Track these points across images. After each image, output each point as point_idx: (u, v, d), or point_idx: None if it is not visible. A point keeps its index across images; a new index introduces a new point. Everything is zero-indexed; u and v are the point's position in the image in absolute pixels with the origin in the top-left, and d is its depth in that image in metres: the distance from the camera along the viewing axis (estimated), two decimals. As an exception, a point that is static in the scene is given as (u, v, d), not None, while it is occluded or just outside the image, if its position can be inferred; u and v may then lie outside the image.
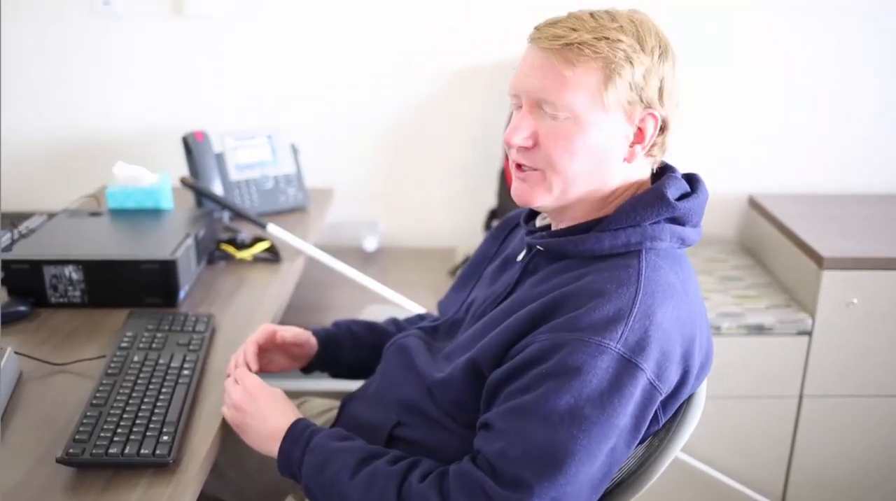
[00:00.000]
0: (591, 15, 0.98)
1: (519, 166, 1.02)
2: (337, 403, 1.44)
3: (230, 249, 1.71)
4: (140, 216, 1.70)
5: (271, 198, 2.02)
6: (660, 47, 0.98)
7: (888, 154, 2.30)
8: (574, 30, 0.96)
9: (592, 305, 0.93)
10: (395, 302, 1.80)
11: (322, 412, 1.42)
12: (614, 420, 0.91)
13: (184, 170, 2.00)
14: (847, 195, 2.30)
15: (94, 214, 1.70)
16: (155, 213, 1.72)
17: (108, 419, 1.08)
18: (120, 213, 1.71)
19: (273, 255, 1.72)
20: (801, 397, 1.96)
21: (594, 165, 0.99)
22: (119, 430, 1.06)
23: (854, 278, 1.86)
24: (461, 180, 2.34)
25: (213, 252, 1.70)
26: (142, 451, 1.02)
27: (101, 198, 1.92)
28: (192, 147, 1.92)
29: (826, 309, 1.88)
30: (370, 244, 2.28)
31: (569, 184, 0.99)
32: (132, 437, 1.05)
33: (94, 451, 1.01)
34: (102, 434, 1.04)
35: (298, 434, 1.08)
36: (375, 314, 1.64)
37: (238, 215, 1.82)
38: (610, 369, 0.90)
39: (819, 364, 1.93)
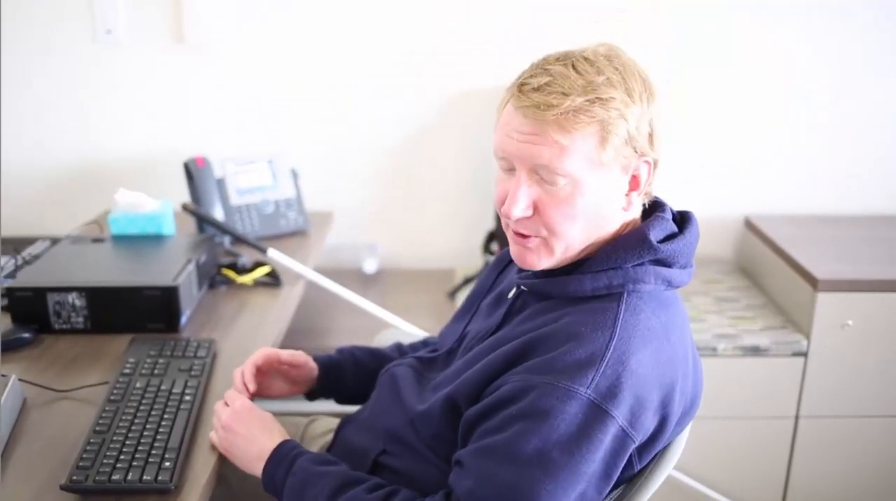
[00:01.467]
0: (574, 68, 0.95)
1: (518, 233, 1.01)
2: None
3: (231, 274, 1.73)
4: (142, 242, 1.72)
5: (272, 222, 2.04)
6: (646, 90, 0.98)
7: (884, 176, 2.32)
8: (565, 94, 0.93)
9: (566, 348, 0.93)
10: (395, 325, 1.82)
11: (327, 431, 1.42)
12: (583, 466, 0.90)
13: (185, 196, 2.03)
14: (843, 217, 2.32)
15: (97, 240, 1.72)
16: (157, 239, 1.74)
17: (111, 445, 1.10)
18: (122, 239, 1.74)
19: (273, 280, 1.74)
20: (797, 417, 1.97)
21: (597, 222, 0.99)
22: (122, 457, 1.07)
23: (849, 300, 1.88)
24: (460, 202, 2.36)
25: (214, 277, 1.72)
26: (144, 478, 1.04)
27: (103, 224, 1.94)
28: (193, 172, 1.95)
29: (821, 331, 1.90)
30: (370, 266, 2.30)
31: (570, 245, 0.99)
32: (135, 464, 1.06)
33: (97, 478, 1.03)
34: (105, 461, 1.06)
35: (283, 455, 1.10)
36: (388, 338, 1.66)
37: (239, 240, 1.84)
38: (579, 414, 0.90)
39: (815, 384, 1.94)
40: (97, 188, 2.25)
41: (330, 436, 1.40)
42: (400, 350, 1.41)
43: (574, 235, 0.98)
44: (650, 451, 0.99)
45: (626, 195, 1.00)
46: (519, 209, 0.97)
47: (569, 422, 0.90)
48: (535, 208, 0.98)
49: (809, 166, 2.31)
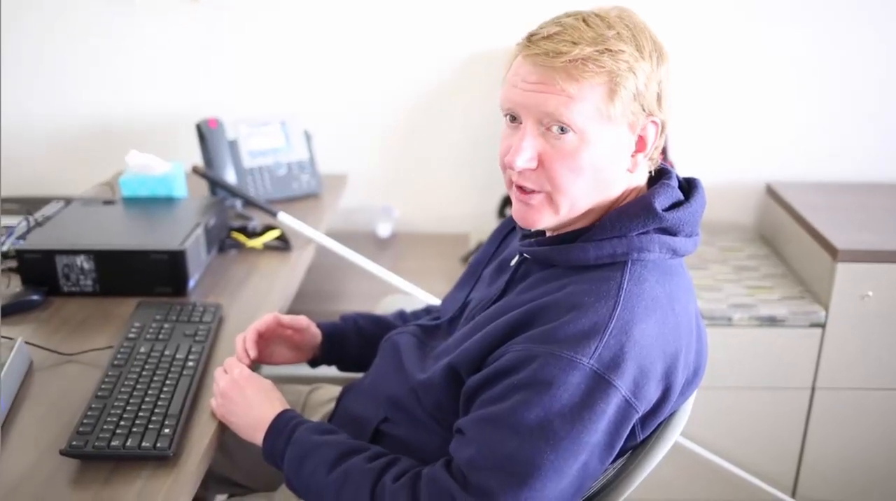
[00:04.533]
0: (585, 22, 0.94)
1: (521, 188, 0.99)
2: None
3: (241, 237, 1.72)
4: (153, 204, 1.72)
5: (284, 185, 2.03)
6: (656, 50, 0.96)
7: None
8: (575, 43, 0.91)
9: (569, 318, 0.91)
10: (406, 290, 1.81)
11: (330, 399, 1.42)
12: (585, 436, 0.89)
13: (197, 157, 2.02)
14: (866, 184, 2.26)
15: (108, 202, 1.72)
16: (168, 202, 1.74)
17: (112, 411, 1.10)
18: (133, 202, 1.73)
19: (283, 243, 1.73)
20: (813, 389, 1.95)
21: (599, 180, 0.96)
22: (122, 422, 1.08)
23: (869, 271, 1.83)
24: (475, 166, 2.33)
25: (224, 240, 1.71)
26: (143, 444, 1.04)
27: (114, 186, 1.94)
28: (205, 134, 1.93)
29: (840, 302, 1.86)
30: (384, 230, 2.28)
31: (575, 202, 0.96)
32: (134, 430, 1.06)
33: (96, 444, 1.03)
34: (105, 427, 1.06)
35: (283, 425, 1.10)
36: (393, 304, 1.65)
37: (249, 203, 1.83)
38: (581, 385, 0.89)
39: (832, 356, 1.91)
40: (111, 148, 2.25)
41: (330, 405, 1.40)
42: (403, 317, 1.40)
43: (578, 192, 0.96)
44: (653, 421, 0.98)
45: (633, 156, 0.97)
46: (522, 159, 0.95)
47: (571, 392, 0.89)
48: (540, 161, 0.95)
49: (832, 132, 2.25)
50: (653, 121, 0.96)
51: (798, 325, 1.88)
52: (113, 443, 1.04)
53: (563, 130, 0.93)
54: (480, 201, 2.35)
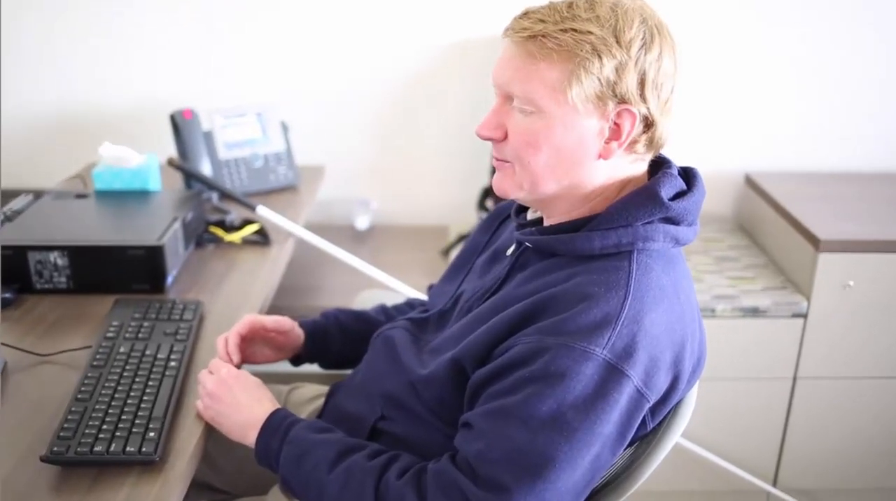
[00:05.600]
0: (569, 5, 0.93)
1: (496, 158, 1.01)
2: (327, 389, 1.43)
3: (219, 232, 1.68)
4: (127, 198, 1.67)
5: (261, 177, 1.99)
6: (642, 38, 0.92)
7: (888, 131, 2.27)
8: (542, 21, 0.92)
9: (580, 309, 0.90)
10: (388, 285, 1.78)
11: (313, 397, 1.40)
12: (598, 427, 0.89)
13: (171, 149, 1.97)
14: (845, 174, 2.27)
15: (81, 196, 1.66)
16: (142, 195, 1.69)
17: (94, 414, 1.06)
18: (106, 195, 1.68)
19: (262, 238, 1.69)
20: (794, 379, 1.95)
21: (562, 161, 0.95)
22: (104, 426, 1.04)
23: (850, 261, 1.84)
24: (454, 157, 2.30)
25: (202, 234, 1.67)
26: (128, 449, 1.00)
27: (86, 179, 1.88)
28: (180, 125, 1.88)
29: (822, 292, 1.86)
30: (362, 223, 2.25)
31: (537, 180, 0.97)
32: (118, 434, 1.03)
33: (78, 449, 0.99)
34: (87, 431, 1.02)
35: (277, 424, 1.06)
36: (370, 299, 1.62)
37: (227, 196, 1.79)
38: (595, 376, 0.88)
39: (814, 346, 1.92)
40: (80, 140, 2.19)
41: (316, 403, 1.37)
42: (385, 312, 1.37)
43: (538, 170, 0.96)
44: (662, 410, 0.98)
45: (606, 143, 0.95)
46: (485, 129, 0.99)
47: (585, 383, 0.88)
48: (505, 134, 0.98)
49: (811, 122, 2.26)
50: (628, 111, 0.93)
51: (780, 316, 1.88)
52: (96, 448, 1.00)
53: (523, 106, 0.94)
54: (460, 193, 2.33)
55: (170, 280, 1.47)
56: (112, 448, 1.00)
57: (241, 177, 1.96)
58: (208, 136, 1.94)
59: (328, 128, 2.26)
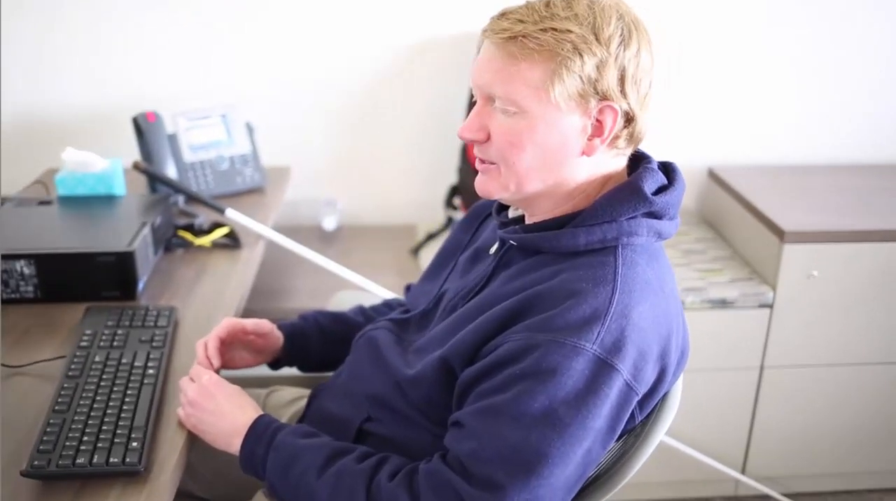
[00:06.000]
0: (547, 4, 0.94)
1: (479, 160, 1.01)
2: (307, 392, 1.41)
3: (188, 236, 1.65)
4: (92, 203, 1.63)
5: (228, 180, 1.96)
6: (620, 34, 0.93)
7: (848, 124, 2.32)
8: (521, 21, 0.92)
9: (568, 305, 0.91)
10: (361, 286, 1.77)
11: (291, 401, 1.38)
12: (589, 421, 0.89)
13: (132, 153, 1.93)
14: (807, 166, 2.32)
15: (44, 202, 1.63)
16: (107, 200, 1.65)
17: (73, 426, 1.03)
18: (70, 201, 1.64)
19: (233, 241, 1.67)
20: (762, 368, 1.99)
21: (547, 160, 0.96)
22: (85, 438, 1.01)
23: (814, 251, 1.88)
24: (420, 156, 2.30)
25: (170, 239, 1.64)
26: (111, 460, 0.98)
27: (49, 185, 1.84)
28: (143, 128, 1.84)
29: (787, 282, 1.90)
30: (329, 223, 2.23)
31: (522, 179, 0.97)
32: (99, 445, 1.00)
33: (60, 462, 0.97)
34: (68, 444, 1.00)
35: (261, 431, 1.05)
36: (346, 300, 1.61)
37: (195, 200, 1.76)
38: (586, 371, 0.89)
39: (779, 335, 1.95)
40: (38, 145, 2.13)
41: (295, 406, 1.36)
42: (364, 313, 1.36)
43: (523, 169, 0.96)
44: (650, 403, 0.99)
45: (589, 140, 0.96)
46: (468, 131, 0.98)
47: (576, 379, 0.88)
48: (488, 135, 0.97)
49: (772, 116, 2.30)
50: (609, 107, 0.94)
51: (747, 306, 1.92)
52: (78, 461, 0.98)
53: (506, 107, 0.94)
54: (426, 192, 2.32)
55: (140, 286, 1.44)
56: (95, 460, 0.98)
57: (206, 180, 1.93)
58: (172, 139, 1.91)
59: (292, 128, 2.24)
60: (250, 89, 2.19)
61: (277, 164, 2.18)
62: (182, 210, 1.77)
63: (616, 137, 0.96)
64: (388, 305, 1.37)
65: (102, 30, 2.11)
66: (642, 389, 0.93)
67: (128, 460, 0.98)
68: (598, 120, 0.95)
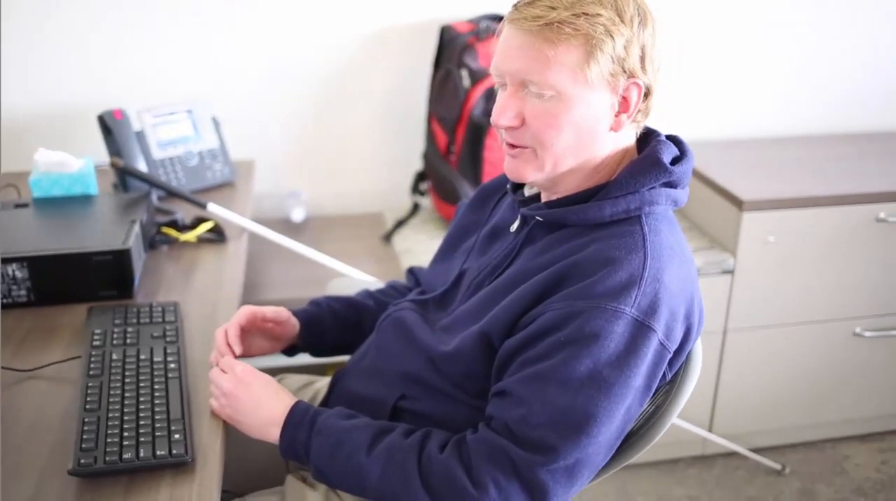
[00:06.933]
0: None
1: (510, 145, 1.04)
2: (315, 378, 1.43)
3: (172, 232, 1.64)
4: (70, 204, 1.61)
5: (198, 175, 1.94)
6: (639, 15, 1.00)
7: (795, 98, 2.45)
8: (552, 8, 0.96)
9: (605, 272, 0.96)
10: (348, 274, 1.79)
11: (300, 387, 1.40)
12: (631, 380, 0.95)
13: (95, 151, 1.90)
14: (755, 139, 2.44)
15: (20, 205, 1.59)
16: (84, 200, 1.63)
17: (110, 423, 1.04)
18: (48, 203, 1.61)
19: (218, 235, 1.67)
20: (724, 331, 2.09)
21: (581, 138, 1.01)
22: (125, 434, 1.02)
23: (770, 218, 1.99)
24: (382, 145, 2.32)
25: (154, 236, 1.63)
26: (157, 452, 0.99)
27: (20, 187, 1.79)
28: (111, 126, 1.81)
29: (746, 249, 2.01)
30: (298, 215, 2.23)
31: (559, 159, 1.01)
32: (142, 439, 1.01)
33: (107, 459, 0.97)
34: (110, 440, 1.00)
35: (300, 417, 1.07)
36: (340, 287, 1.63)
37: (177, 196, 1.74)
38: (626, 333, 0.94)
39: (741, 299, 2.06)
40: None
41: (307, 392, 1.38)
42: (373, 297, 1.39)
43: (560, 149, 1.01)
44: (677, 361, 1.05)
45: (616, 116, 1.02)
46: (505, 118, 1.01)
47: (617, 341, 0.94)
48: (523, 120, 1.01)
49: (722, 92, 2.40)
50: (635, 83, 1.00)
51: (710, 273, 2.01)
52: (125, 456, 0.98)
53: (542, 91, 0.98)
54: (389, 180, 2.34)
55: (135, 284, 1.43)
56: (142, 454, 0.99)
57: (177, 176, 1.91)
58: (140, 136, 1.89)
59: (255, 121, 2.22)
60: (209, 83, 2.16)
61: (241, 158, 2.17)
62: (158, 207, 1.75)
63: (638, 112, 1.02)
64: (394, 288, 1.40)
65: (57, 25, 2.04)
66: (673, 347, 1.00)
67: (174, 452, 1.00)
68: (623, 97, 1.00)
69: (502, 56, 1.01)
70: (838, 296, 2.11)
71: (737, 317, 2.08)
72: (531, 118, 1.00)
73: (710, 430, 2.20)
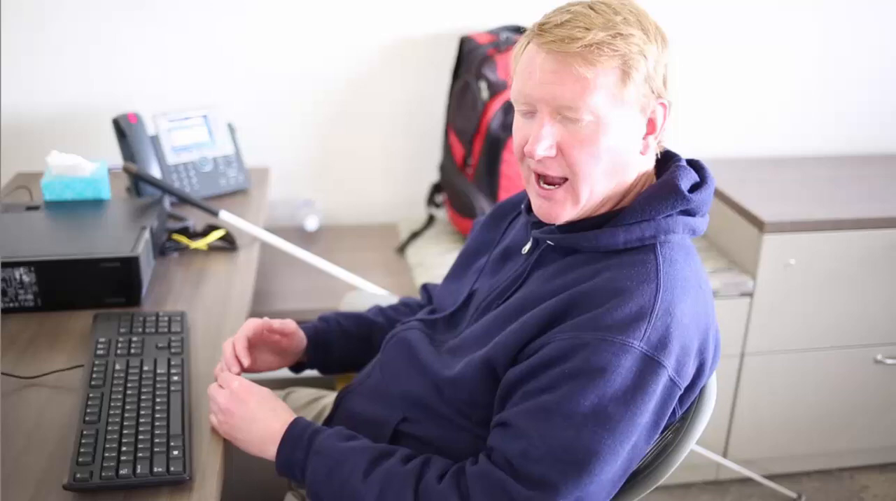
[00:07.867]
0: (593, 9, 0.96)
1: (540, 180, 1.00)
2: (324, 392, 1.41)
3: (183, 239, 1.62)
4: (82, 208, 1.59)
5: (212, 181, 1.93)
6: (659, 34, 0.98)
7: (820, 117, 2.41)
8: (588, 29, 0.93)
9: (614, 303, 0.92)
10: (362, 287, 1.76)
11: (308, 402, 1.38)
12: (637, 418, 0.91)
13: (109, 154, 1.89)
14: (776, 159, 2.39)
15: (31, 208, 1.58)
16: (97, 205, 1.61)
17: (109, 437, 1.02)
18: (59, 206, 1.60)
19: (229, 244, 1.65)
20: (742, 355, 2.05)
21: (616, 165, 0.98)
22: (123, 448, 1.00)
23: (791, 240, 1.94)
24: (398, 155, 2.29)
25: (164, 243, 1.61)
26: (155, 469, 0.97)
27: (32, 189, 1.78)
28: (125, 130, 1.80)
29: (766, 271, 1.96)
30: (311, 223, 2.21)
31: (594, 188, 0.98)
32: (140, 455, 0.99)
33: (103, 474, 0.95)
34: (107, 455, 0.98)
35: (298, 435, 1.05)
36: (354, 301, 1.60)
37: (188, 202, 1.72)
38: (633, 368, 0.91)
39: (759, 322, 2.01)
40: (11, 148, 2.06)
41: (314, 408, 1.35)
42: (384, 314, 1.36)
43: (597, 178, 0.97)
44: (689, 398, 1.01)
45: (644, 138, 0.99)
46: (542, 147, 0.96)
47: (624, 376, 0.90)
48: (559, 149, 0.97)
49: (742, 111, 2.36)
50: (661, 103, 0.99)
51: (729, 296, 1.97)
52: (122, 472, 0.96)
53: (580, 116, 0.94)
54: (405, 191, 2.32)
55: (143, 292, 1.42)
56: (139, 471, 0.96)
57: (191, 182, 1.90)
58: (155, 140, 1.87)
59: (270, 128, 2.21)
60: (226, 90, 2.15)
61: (256, 165, 2.15)
62: (170, 213, 1.74)
63: (662, 131, 0.99)
64: (406, 305, 1.37)
65: (76, 27, 2.04)
66: (684, 384, 0.96)
67: (172, 469, 0.97)
68: (650, 118, 0.98)
69: (534, 82, 0.96)
70: (859, 322, 2.06)
71: (755, 341, 2.04)
72: (567, 146, 0.96)
73: (724, 455, 2.16)
